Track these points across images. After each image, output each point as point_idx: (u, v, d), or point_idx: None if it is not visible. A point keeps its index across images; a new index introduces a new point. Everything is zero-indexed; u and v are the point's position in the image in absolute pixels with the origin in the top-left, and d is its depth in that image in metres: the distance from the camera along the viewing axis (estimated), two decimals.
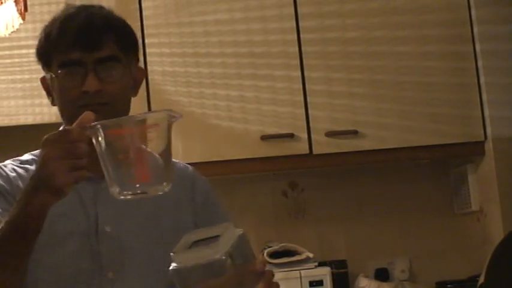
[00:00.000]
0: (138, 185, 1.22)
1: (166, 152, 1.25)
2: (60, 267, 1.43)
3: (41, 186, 1.23)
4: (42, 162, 1.23)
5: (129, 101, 1.55)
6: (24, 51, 2.74)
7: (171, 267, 1.21)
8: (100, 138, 1.22)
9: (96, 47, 1.47)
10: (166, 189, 1.25)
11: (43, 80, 1.57)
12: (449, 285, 2.97)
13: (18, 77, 2.73)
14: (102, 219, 1.46)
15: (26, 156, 1.60)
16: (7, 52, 2.74)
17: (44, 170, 1.22)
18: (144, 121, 1.24)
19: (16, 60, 2.75)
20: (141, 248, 1.46)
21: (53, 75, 1.51)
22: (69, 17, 1.51)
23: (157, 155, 1.23)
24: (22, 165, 1.55)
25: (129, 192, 1.23)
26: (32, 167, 1.51)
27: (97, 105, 1.44)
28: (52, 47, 1.52)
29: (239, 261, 1.19)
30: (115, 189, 1.22)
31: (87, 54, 1.47)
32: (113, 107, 1.47)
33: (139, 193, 1.23)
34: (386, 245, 3.10)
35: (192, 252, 1.20)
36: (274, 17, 2.87)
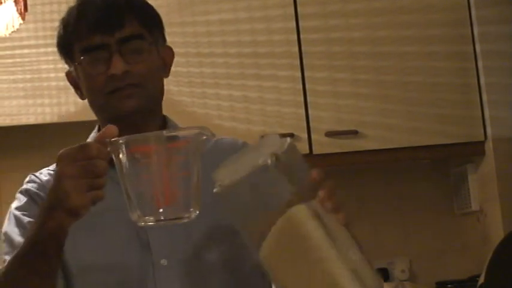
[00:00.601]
0: (161, 210, 1.11)
1: (195, 175, 1.13)
2: (110, 261, 1.38)
3: (57, 206, 1.15)
4: (57, 180, 1.15)
5: (162, 82, 1.49)
6: (25, 51, 2.75)
7: (214, 190, 1.09)
8: (121, 155, 1.11)
9: (117, 26, 1.40)
10: (193, 216, 1.13)
11: (68, 75, 1.49)
12: (449, 285, 2.97)
13: (20, 76, 2.74)
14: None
15: None
16: (9, 52, 2.75)
17: (59, 189, 1.14)
18: (173, 138, 1.13)
19: (18, 60, 2.76)
20: (190, 231, 1.39)
21: (77, 64, 1.43)
22: (85, 2, 1.44)
23: (184, 178, 1.12)
24: None
25: (151, 218, 1.11)
26: None
27: (128, 88, 1.39)
28: (71, 35, 1.43)
29: (289, 168, 1.05)
30: (135, 214, 1.11)
31: (109, 36, 1.39)
32: (144, 88, 1.41)
33: (163, 219, 1.12)
34: (387, 245, 3.10)
35: (232, 166, 1.07)
36: (278, 17, 2.86)
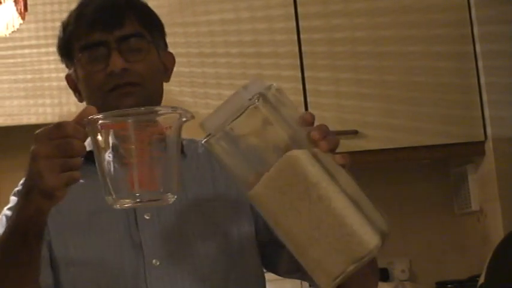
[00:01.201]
0: (137, 193, 1.06)
1: (174, 157, 1.09)
2: (103, 260, 1.37)
3: (32, 188, 1.11)
4: (31, 160, 1.10)
5: (161, 85, 1.47)
6: (26, 51, 2.75)
7: (203, 141, 1.06)
8: (99, 135, 1.06)
9: (117, 25, 1.39)
10: (170, 201, 1.09)
11: (68, 78, 1.47)
12: (449, 285, 2.97)
13: (21, 76, 2.74)
14: (139, 207, 1.37)
15: None
16: (10, 52, 2.75)
17: (33, 170, 1.09)
18: (152, 116, 1.08)
19: (19, 60, 2.76)
20: (183, 232, 1.38)
21: (75, 62, 1.41)
22: (85, 2, 1.44)
23: (163, 160, 1.08)
24: None
25: (126, 200, 1.07)
26: None
27: (127, 86, 1.38)
28: (71, 35, 1.42)
29: (277, 108, 1.02)
30: (109, 197, 1.07)
31: (108, 33, 1.38)
32: (143, 87, 1.40)
33: (139, 202, 1.07)
34: (387, 245, 3.09)
35: (219, 113, 1.04)
36: (280, 16, 2.86)
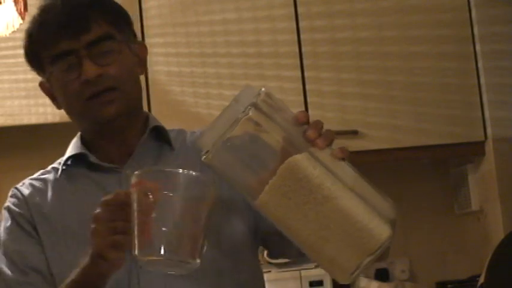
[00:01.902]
0: (162, 252, 1.04)
1: (201, 221, 1.07)
2: None
3: (90, 248, 1.17)
4: (91, 227, 1.16)
5: (138, 80, 1.44)
6: None
7: (202, 159, 1.04)
8: (132, 188, 1.07)
9: (83, 30, 1.33)
10: (193, 266, 1.08)
11: (42, 85, 1.45)
12: (449, 285, 2.97)
13: (22, 76, 2.74)
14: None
15: (50, 166, 1.49)
16: (10, 52, 2.75)
17: (90, 232, 1.16)
18: (177, 179, 1.04)
19: (19, 60, 2.71)
20: None
21: (48, 73, 1.38)
22: (46, 7, 1.38)
23: (198, 226, 1.07)
24: (41, 177, 1.46)
25: (147, 258, 1.06)
26: (51, 176, 1.44)
27: (106, 93, 1.34)
28: (37, 45, 1.38)
29: (270, 114, 1.02)
30: (134, 250, 1.07)
31: (76, 40, 1.33)
32: (122, 91, 1.36)
33: (158, 262, 1.05)
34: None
35: (213, 130, 1.03)
36: (282, 16, 2.86)
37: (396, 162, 3.02)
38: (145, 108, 2.76)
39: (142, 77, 2.97)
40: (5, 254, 1.39)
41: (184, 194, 1.05)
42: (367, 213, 1.03)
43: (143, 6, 2.83)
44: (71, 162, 1.43)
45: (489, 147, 2.87)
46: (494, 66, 2.88)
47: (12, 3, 2.13)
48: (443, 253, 3.11)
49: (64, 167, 1.43)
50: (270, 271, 2.75)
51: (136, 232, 1.04)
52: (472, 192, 2.98)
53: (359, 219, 1.02)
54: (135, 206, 1.05)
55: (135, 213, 1.04)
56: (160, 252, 1.04)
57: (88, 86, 1.34)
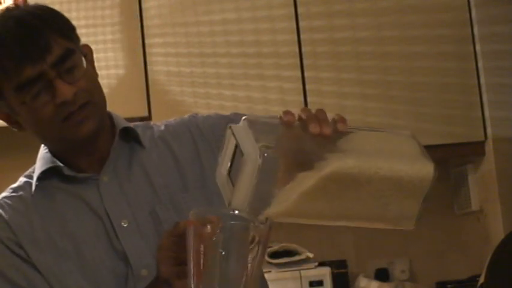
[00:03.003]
0: None
1: (245, 260, 1.06)
2: (96, 283, 1.34)
3: (159, 276, 1.21)
4: (157, 251, 1.21)
5: (100, 85, 1.37)
6: None
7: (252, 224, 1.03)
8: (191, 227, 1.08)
9: (45, 51, 1.27)
10: None
11: None
12: (449, 285, 2.97)
13: None
14: (113, 214, 1.35)
15: (19, 180, 1.44)
16: None
17: (156, 259, 1.20)
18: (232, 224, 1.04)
19: None
20: (162, 234, 1.33)
21: (9, 100, 1.31)
22: (1, 35, 1.28)
23: (229, 261, 1.05)
24: (15, 194, 1.40)
25: None
26: (26, 193, 1.39)
27: (80, 110, 1.29)
28: None
29: (279, 146, 1.01)
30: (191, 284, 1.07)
31: (41, 63, 1.27)
32: (94, 103, 1.32)
33: None
34: (387, 245, 3.10)
35: (240, 190, 1.02)
36: (282, 16, 2.86)
37: None
38: (145, 108, 2.79)
39: (142, 77, 2.98)
40: (9, 281, 1.35)
41: (239, 237, 1.06)
42: (406, 164, 1.06)
43: (143, 6, 2.83)
44: (43, 176, 1.39)
45: (489, 147, 2.87)
46: (494, 66, 2.88)
47: (12, 4, 2.13)
48: (443, 253, 3.11)
49: (37, 183, 1.39)
50: (270, 271, 2.76)
51: (192, 268, 1.06)
52: (472, 192, 2.98)
53: (404, 175, 1.05)
54: (191, 242, 1.05)
55: (191, 251, 1.06)
56: None
57: (65, 107, 1.29)
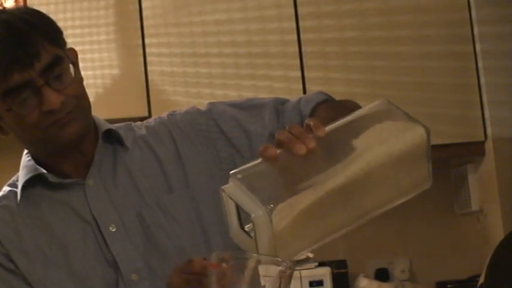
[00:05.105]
0: None
1: None
2: (84, 284, 1.33)
3: None
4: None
5: (84, 87, 1.35)
6: None
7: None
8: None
9: (33, 57, 1.25)
10: None
11: None
12: (449, 285, 2.97)
13: None
14: (101, 220, 1.34)
15: (3, 190, 1.41)
16: None
17: None
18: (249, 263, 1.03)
19: None
20: (150, 237, 1.34)
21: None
22: None
23: None
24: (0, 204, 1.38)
25: None
26: (11, 202, 1.37)
27: (68, 114, 1.28)
28: None
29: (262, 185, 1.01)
30: None
31: (29, 70, 1.25)
32: (81, 108, 1.31)
33: None
34: (386, 245, 3.10)
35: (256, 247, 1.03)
36: (272, 17, 2.88)
37: None
38: (145, 109, 2.80)
39: (141, 77, 2.97)
40: None
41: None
42: (397, 140, 1.06)
43: (138, 7, 2.84)
44: (28, 184, 1.37)
45: (489, 147, 2.87)
46: (494, 66, 2.88)
47: (13, 4, 2.13)
48: (443, 253, 3.11)
49: (22, 191, 1.37)
50: None
51: None
52: (472, 193, 2.98)
53: (399, 150, 1.06)
54: (213, 286, 1.04)
55: None
56: None
57: (52, 114, 1.27)
